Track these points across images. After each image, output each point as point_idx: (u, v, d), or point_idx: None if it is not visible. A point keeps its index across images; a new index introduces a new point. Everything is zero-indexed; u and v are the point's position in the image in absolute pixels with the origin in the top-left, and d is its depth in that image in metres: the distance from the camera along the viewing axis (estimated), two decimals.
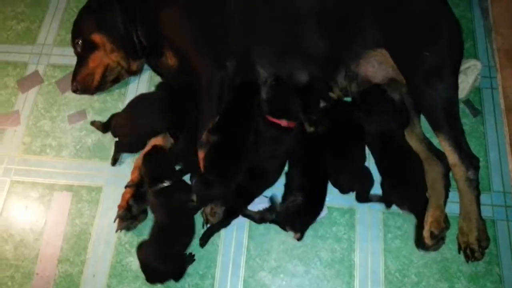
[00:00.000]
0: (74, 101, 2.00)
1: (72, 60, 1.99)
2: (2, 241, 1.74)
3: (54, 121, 1.97)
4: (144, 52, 1.87)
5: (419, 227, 1.57)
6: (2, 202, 1.81)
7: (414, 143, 1.71)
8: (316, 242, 1.67)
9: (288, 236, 1.66)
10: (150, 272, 1.56)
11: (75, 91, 1.88)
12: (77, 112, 1.97)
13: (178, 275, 1.59)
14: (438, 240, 1.53)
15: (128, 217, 1.64)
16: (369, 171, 1.67)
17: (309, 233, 1.66)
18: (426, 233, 1.53)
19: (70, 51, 1.93)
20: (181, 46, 1.74)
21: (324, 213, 1.68)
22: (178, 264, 1.60)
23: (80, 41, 1.85)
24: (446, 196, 1.60)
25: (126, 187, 1.69)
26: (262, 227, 1.69)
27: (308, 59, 1.72)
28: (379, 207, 1.67)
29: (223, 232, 1.69)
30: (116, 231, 1.66)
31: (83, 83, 1.85)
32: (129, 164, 1.83)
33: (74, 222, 1.76)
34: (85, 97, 1.99)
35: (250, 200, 1.62)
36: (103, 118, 1.93)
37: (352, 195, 1.65)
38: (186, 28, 1.73)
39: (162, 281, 1.59)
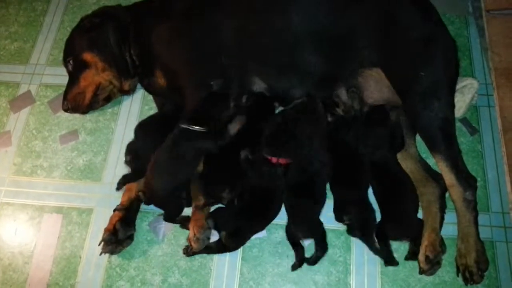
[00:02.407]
0: (66, 121, 1.98)
1: (65, 80, 1.97)
2: None
3: (45, 142, 1.95)
4: (136, 71, 1.86)
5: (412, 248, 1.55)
6: None
7: (409, 164, 1.68)
8: (311, 265, 1.63)
9: (283, 259, 1.63)
10: None
11: (66, 110, 1.86)
12: (68, 132, 1.95)
13: None
14: (433, 264, 1.49)
15: (113, 241, 1.60)
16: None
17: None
18: (421, 257, 1.50)
19: (62, 70, 1.92)
20: (169, 66, 1.73)
21: None
22: None
23: (72, 60, 1.84)
24: (442, 219, 1.57)
25: (115, 210, 1.65)
26: (256, 249, 1.66)
27: (304, 76, 1.71)
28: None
29: (216, 254, 1.65)
30: (100, 254, 1.62)
31: (74, 101, 1.84)
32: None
33: (64, 245, 1.72)
34: (77, 117, 1.97)
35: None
36: (95, 138, 1.92)
37: None
38: (175, 48, 1.73)
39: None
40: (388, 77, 1.64)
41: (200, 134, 1.57)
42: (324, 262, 1.63)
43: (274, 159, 1.59)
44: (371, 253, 1.62)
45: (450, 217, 1.59)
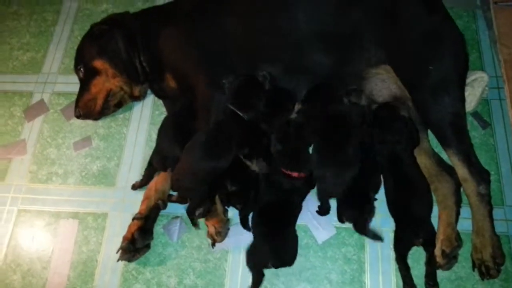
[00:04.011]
0: (79, 128, 2.01)
1: (77, 88, 2.01)
2: (10, 271, 1.74)
3: (59, 149, 1.98)
4: (146, 77, 1.88)
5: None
6: (10, 232, 1.82)
7: (423, 159, 1.66)
8: (325, 264, 1.63)
9: (297, 258, 1.63)
10: None
11: (78, 116, 1.88)
12: (82, 139, 1.98)
13: None
14: (450, 259, 1.48)
15: (131, 249, 1.61)
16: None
17: (317, 254, 1.64)
18: (437, 252, 1.48)
19: (74, 78, 1.95)
20: (179, 67, 1.75)
21: (332, 233, 1.65)
22: None
23: (82, 68, 1.87)
24: (458, 213, 1.55)
25: (133, 219, 1.67)
26: None
27: (312, 76, 1.71)
28: (389, 226, 1.63)
29: (230, 255, 1.67)
30: (118, 260, 1.63)
31: (85, 108, 1.86)
32: None
33: (81, 249, 1.75)
34: (90, 123, 2.00)
35: None
36: (108, 144, 1.95)
37: None
38: (183, 49, 1.75)
39: None
40: (397, 73, 1.63)
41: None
42: (338, 261, 1.63)
43: (295, 173, 1.57)
44: (385, 251, 1.62)
45: (464, 211, 1.57)
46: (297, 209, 1.59)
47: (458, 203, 1.57)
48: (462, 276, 1.57)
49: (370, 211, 1.54)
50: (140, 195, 1.77)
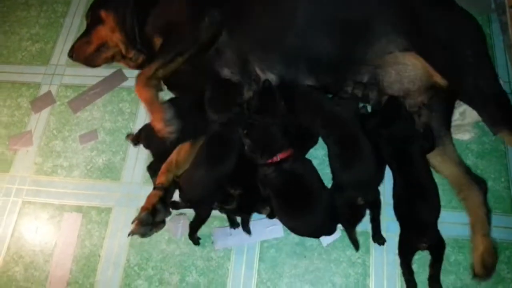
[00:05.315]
0: (85, 121, 2.01)
1: (84, 80, 2.01)
2: (13, 262, 1.74)
3: (65, 141, 1.97)
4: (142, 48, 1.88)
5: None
6: (13, 223, 1.81)
7: (449, 167, 1.62)
8: (329, 267, 1.61)
9: (300, 260, 1.62)
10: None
11: (70, 56, 1.94)
12: (88, 132, 1.97)
13: None
14: (490, 270, 1.45)
15: (150, 221, 1.50)
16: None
17: (322, 257, 1.63)
18: (477, 265, 1.46)
19: (82, 71, 1.95)
20: (165, 22, 1.75)
21: (337, 235, 1.63)
22: None
23: (91, 13, 1.92)
24: (489, 223, 1.52)
25: (154, 188, 1.60)
26: (274, 249, 1.65)
27: (313, 64, 1.65)
28: (394, 231, 1.60)
29: (233, 254, 1.66)
30: (129, 235, 1.51)
31: (78, 49, 1.91)
32: (140, 184, 1.82)
33: (84, 243, 1.74)
34: (97, 117, 2.00)
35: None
36: (114, 138, 1.94)
37: (366, 218, 1.57)
38: (169, 9, 1.77)
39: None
40: (428, 61, 1.58)
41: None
42: (342, 264, 1.61)
43: (275, 158, 1.52)
44: (390, 256, 1.60)
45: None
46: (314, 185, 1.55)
47: (488, 213, 1.54)
48: (468, 284, 1.55)
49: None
50: (145, 190, 1.76)
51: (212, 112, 1.61)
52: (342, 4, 1.64)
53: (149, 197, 1.58)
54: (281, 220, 1.57)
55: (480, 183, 1.56)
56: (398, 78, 1.64)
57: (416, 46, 1.58)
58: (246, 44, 1.68)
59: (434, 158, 1.62)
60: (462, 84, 1.55)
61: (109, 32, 1.87)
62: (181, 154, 1.68)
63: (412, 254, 1.51)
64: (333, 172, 1.57)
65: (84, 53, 1.91)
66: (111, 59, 1.96)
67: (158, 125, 1.55)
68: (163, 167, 1.66)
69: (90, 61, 1.95)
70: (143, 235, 1.52)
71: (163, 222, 1.58)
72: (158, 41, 1.77)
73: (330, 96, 1.70)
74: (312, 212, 1.49)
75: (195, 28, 1.65)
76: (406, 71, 1.62)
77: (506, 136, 1.51)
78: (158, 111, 1.55)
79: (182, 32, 1.67)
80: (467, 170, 1.62)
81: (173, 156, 1.68)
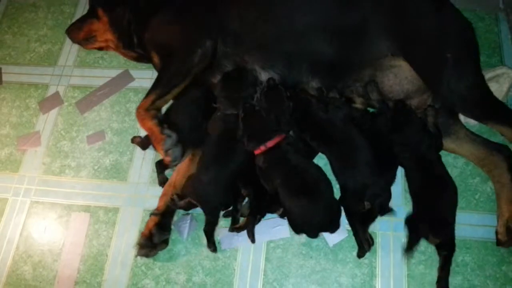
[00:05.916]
0: (93, 121, 2.02)
1: (92, 82, 2.02)
2: (21, 261, 1.76)
3: (73, 142, 1.99)
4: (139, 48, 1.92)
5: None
6: (22, 223, 1.83)
7: (466, 147, 1.65)
8: (335, 267, 1.61)
9: (307, 260, 1.62)
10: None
11: (66, 32, 2.05)
12: (95, 132, 1.99)
13: None
14: None
15: (148, 245, 1.61)
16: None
17: (328, 257, 1.62)
18: (501, 229, 1.48)
19: (90, 72, 1.96)
20: (161, 41, 1.78)
21: (343, 236, 1.63)
22: None
23: (91, 4, 2.00)
24: None
25: (151, 215, 1.66)
26: (280, 250, 1.65)
27: (315, 64, 1.67)
28: (402, 231, 1.60)
29: (239, 254, 1.66)
30: (135, 256, 1.64)
31: (72, 31, 2.03)
32: (146, 184, 1.83)
33: (91, 243, 1.75)
34: (104, 117, 2.01)
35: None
36: (121, 138, 1.95)
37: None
38: (165, 24, 1.79)
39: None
40: (412, 65, 1.59)
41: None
42: (349, 264, 1.61)
43: (261, 147, 1.53)
44: (397, 256, 1.60)
45: (472, 218, 1.56)
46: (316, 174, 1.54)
47: None
48: (476, 285, 1.54)
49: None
50: (151, 190, 1.78)
51: (226, 105, 1.63)
52: (337, 7, 1.66)
53: (147, 222, 1.66)
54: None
55: (502, 151, 1.57)
56: (397, 81, 1.67)
57: (400, 48, 1.60)
58: (246, 55, 1.70)
59: (450, 144, 1.67)
60: (437, 85, 1.56)
61: (101, 29, 1.94)
62: (179, 178, 1.70)
63: (417, 241, 1.49)
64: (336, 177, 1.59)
65: (75, 37, 2.03)
66: (101, 49, 2.07)
67: (161, 153, 1.59)
68: (165, 188, 1.71)
69: (82, 45, 2.07)
70: (147, 256, 1.65)
71: (164, 242, 1.66)
72: (155, 57, 1.81)
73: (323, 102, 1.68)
74: (313, 202, 1.48)
75: (189, 61, 1.68)
76: (402, 72, 1.64)
77: (494, 127, 1.54)
78: (158, 140, 1.58)
79: (177, 63, 1.70)
80: (485, 143, 1.64)
81: (172, 179, 1.72)
